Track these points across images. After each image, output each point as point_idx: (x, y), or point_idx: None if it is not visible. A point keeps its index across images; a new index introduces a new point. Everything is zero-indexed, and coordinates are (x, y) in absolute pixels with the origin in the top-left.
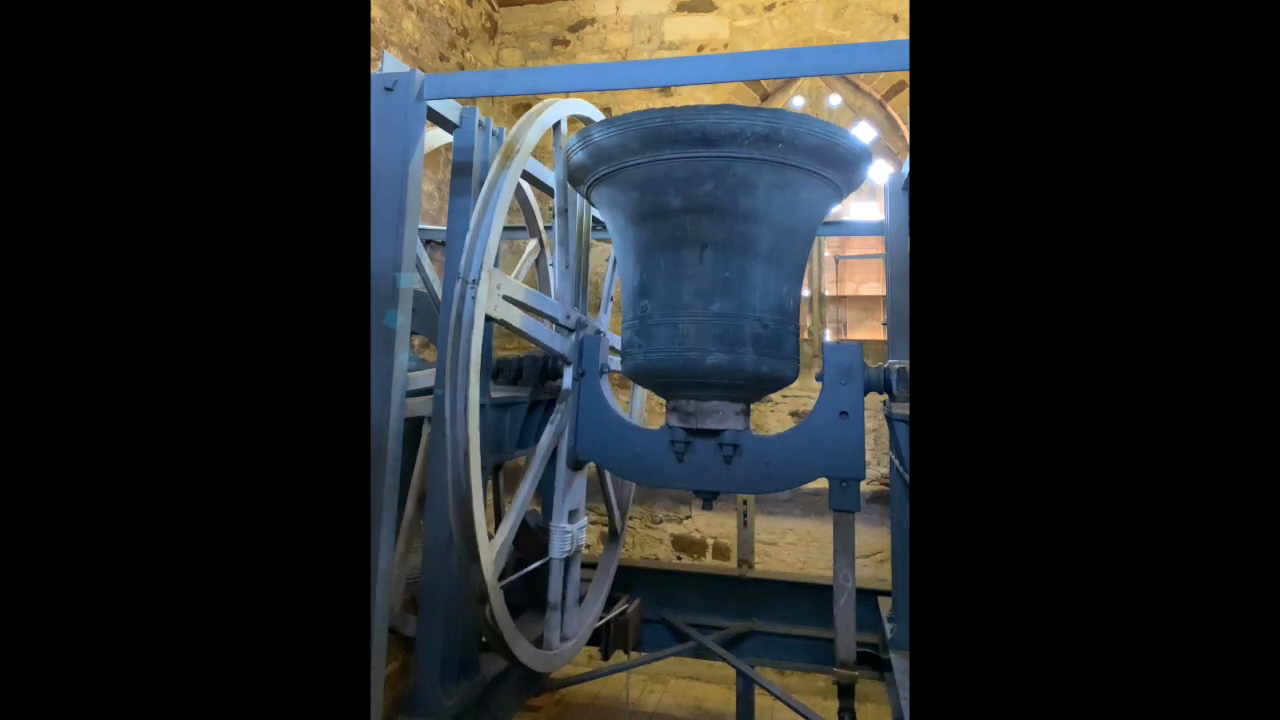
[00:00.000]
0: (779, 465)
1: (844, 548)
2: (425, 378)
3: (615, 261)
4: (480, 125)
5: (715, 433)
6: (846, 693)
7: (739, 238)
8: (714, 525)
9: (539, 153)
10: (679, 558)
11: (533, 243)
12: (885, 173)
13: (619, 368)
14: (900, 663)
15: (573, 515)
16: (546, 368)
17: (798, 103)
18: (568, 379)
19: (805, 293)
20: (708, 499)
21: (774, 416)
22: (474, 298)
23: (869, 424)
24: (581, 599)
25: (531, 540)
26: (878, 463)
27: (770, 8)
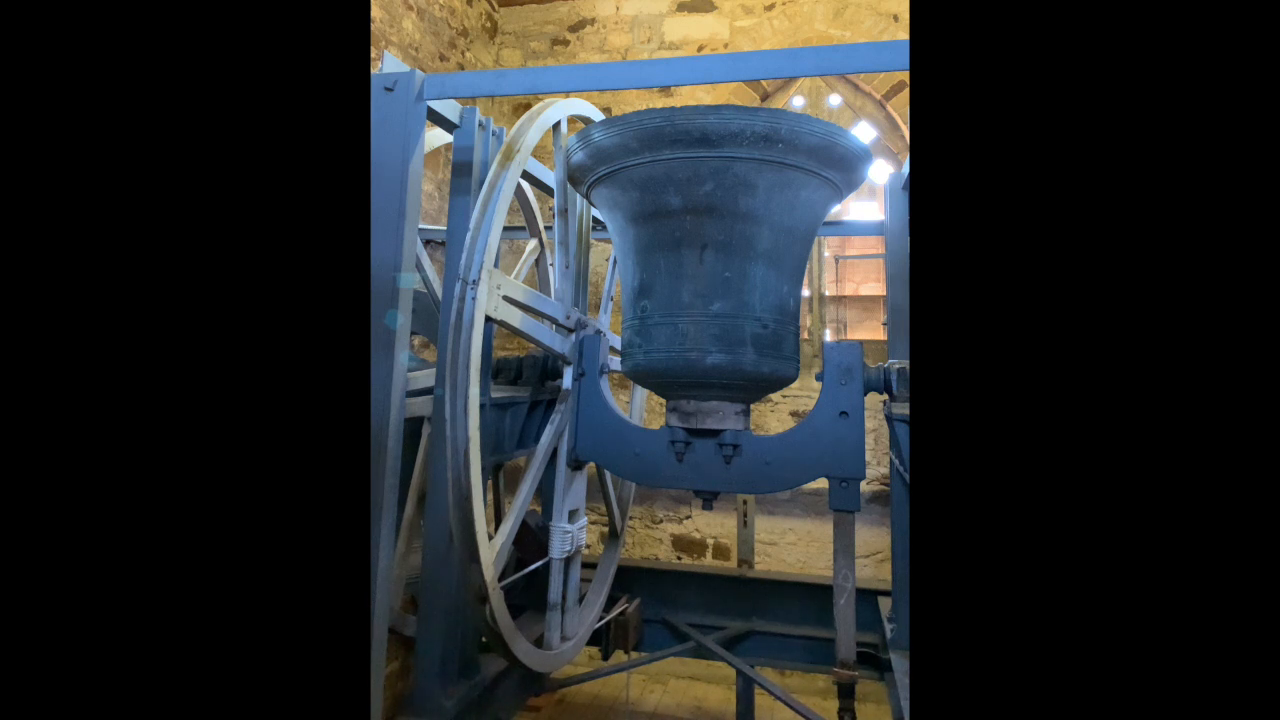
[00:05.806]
0: (779, 465)
1: (844, 548)
2: (425, 378)
3: (615, 261)
4: (480, 125)
5: (715, 433)
6: (846, 693)
7: (739, 238)
8: (714, 525)
9: (539, 153)
10: (679, 558)
11: (533, 243)
12: (885, 173)
13: (619, 368)
14: (900, 663)
15: (573, 515)
16: (546, 368)
17: (798, 103)
18: (568, 379)
19: (805, 293)
20: (708, 499)
21: (774, 416)
22: (474, 298)
23: (869, 424)
24: (581, 599)
25: (531, 540)
26: (878, 463)
27: (770, 8)
